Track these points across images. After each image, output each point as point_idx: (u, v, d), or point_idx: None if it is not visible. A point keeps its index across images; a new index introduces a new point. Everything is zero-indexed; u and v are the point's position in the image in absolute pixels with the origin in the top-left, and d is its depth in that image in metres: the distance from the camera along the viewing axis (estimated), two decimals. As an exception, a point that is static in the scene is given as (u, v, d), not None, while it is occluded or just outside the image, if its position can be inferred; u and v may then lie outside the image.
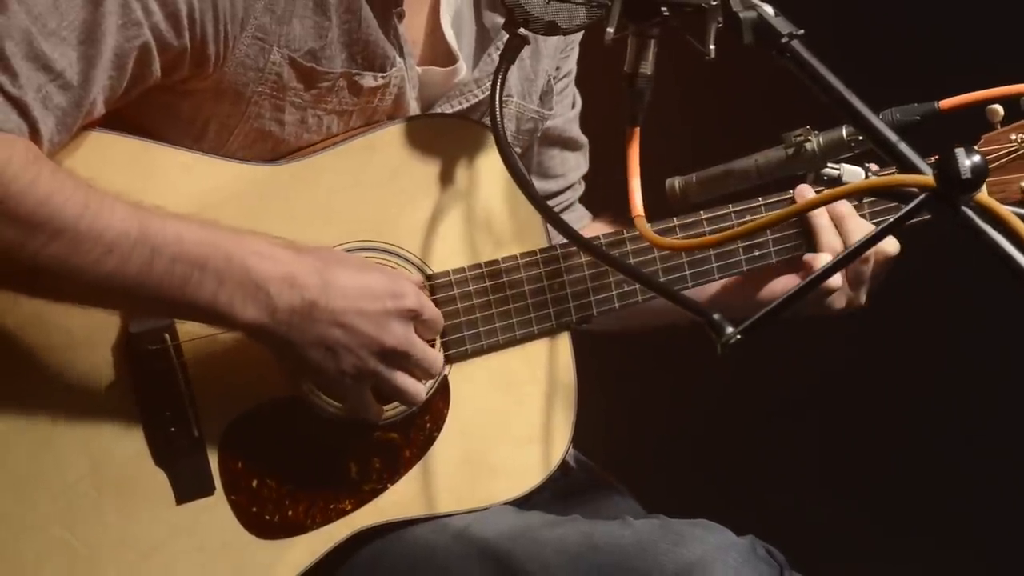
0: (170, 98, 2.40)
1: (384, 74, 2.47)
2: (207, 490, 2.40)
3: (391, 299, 2.37)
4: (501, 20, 2.38)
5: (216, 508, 2.40)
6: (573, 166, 2.85)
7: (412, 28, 2.53)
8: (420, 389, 2.43)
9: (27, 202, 2.22)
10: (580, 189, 2.88)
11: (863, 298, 2.65)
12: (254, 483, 2.42)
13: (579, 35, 2.73)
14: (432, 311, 2.43)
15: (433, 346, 2.46)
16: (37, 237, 2.23)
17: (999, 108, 2.55)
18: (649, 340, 2.80)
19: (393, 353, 2.38)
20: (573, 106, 2.83)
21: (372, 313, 2.36)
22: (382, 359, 2.38)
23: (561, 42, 2.72)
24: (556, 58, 2.72)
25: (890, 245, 2.63)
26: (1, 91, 2.21)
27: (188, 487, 2.39)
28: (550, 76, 2.71)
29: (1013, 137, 2.60)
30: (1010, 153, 2.61)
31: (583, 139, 2.87)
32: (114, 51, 2.27)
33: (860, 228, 2.62)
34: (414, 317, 2.40)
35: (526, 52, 2.60)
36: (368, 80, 2.46)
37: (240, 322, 2.32)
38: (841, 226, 2.61)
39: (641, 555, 2.39)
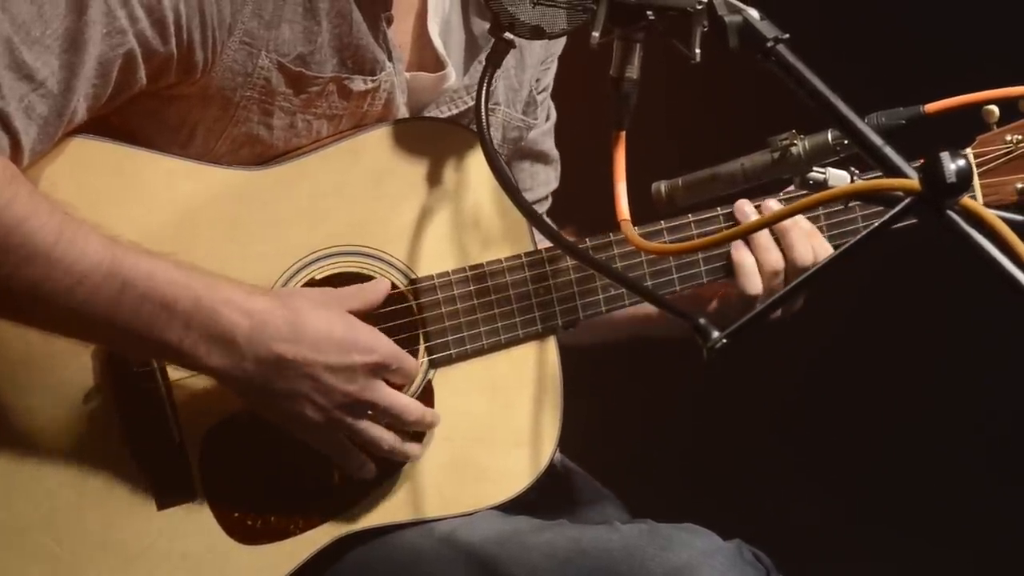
0: (156, 104, 2.39)
1: (374, 78, 2.46)
2: (189, 495, 2.39)
3: (359, 353, 2.36)
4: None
5: (198, 513, 2.39)
6: (543, 180, 2.84)
7: (400, 34, 2.53)
8: (388, 436, 2.42)
9: (2, 223, 2.20)
10: (547, 204, 2.86)
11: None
12: (236, 488, 2.41)
13: (560, 47, 2.74)
14: (405, 363, 2.41)
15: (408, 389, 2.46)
16: (9, 259, 2.21)
17: (995, 109, 2.55)
18: (635, 344, 2.79)
19: (357, 403, 2.37)
20: (548, 119, 2.82)
21: (339, 367, 2.34)
22: (347, 411, 2.37)
23: (543, 53, 2.71)
24: (538, 69, 2.72)
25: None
26: None
27: (170, 492, 2.38)
28: (533, 87, 2.70)
29: (1008, 138, 2.60)
30: (1006, 154, 2.61)
31: (555, 153, 2.85)
32: (98, 59, 2.26)
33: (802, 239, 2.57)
34: (384, 370, 2.38)
35: (512, 62, 2.61)
36: (358, 84, 2.45)
37: (206, 367, 2.31)
38: (783, 240, 2.57)
39: (628, 560, 2.39)
